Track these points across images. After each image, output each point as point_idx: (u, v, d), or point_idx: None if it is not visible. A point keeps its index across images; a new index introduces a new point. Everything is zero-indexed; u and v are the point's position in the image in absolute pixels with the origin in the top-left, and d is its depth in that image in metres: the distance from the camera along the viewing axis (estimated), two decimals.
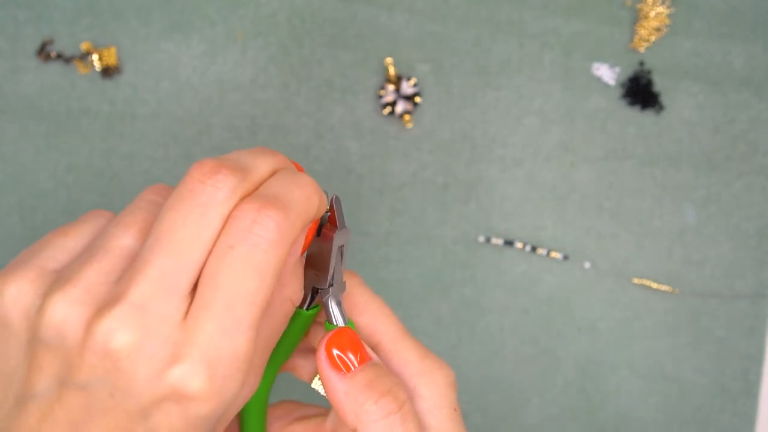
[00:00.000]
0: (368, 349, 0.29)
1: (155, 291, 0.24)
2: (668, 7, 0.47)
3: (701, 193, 0.48)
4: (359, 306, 0.32)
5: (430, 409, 0.31)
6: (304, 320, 0.30)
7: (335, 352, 0.28)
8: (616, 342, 0.49)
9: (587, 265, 0.48)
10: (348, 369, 0.28)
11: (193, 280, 0.25)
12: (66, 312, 0.24)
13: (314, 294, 0.30)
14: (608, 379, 0.49)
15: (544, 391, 0.49)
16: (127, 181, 0.48)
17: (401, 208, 0.48)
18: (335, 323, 0.29)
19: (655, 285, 0.48)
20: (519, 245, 0.48)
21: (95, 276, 0.25)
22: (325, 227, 0.28)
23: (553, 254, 0.48)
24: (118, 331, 0.24)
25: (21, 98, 0.48)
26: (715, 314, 0.48)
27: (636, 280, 0.48)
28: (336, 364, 0.28)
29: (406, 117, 0.48)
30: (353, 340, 0.28)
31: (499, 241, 0.48)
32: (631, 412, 0.49)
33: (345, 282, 0.30)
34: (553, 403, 0.49)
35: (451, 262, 0.48)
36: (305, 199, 0.26)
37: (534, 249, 0.48)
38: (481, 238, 0.48)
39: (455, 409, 0.31)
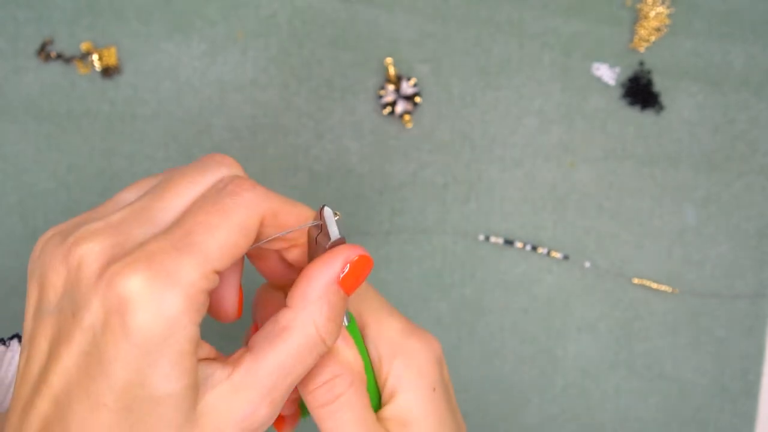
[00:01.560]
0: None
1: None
2: (668, 7, 0.48)
3: (701, 193, 0.48)
4: None
5: (407, 389, 0.31)
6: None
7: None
8: (615, 342, 0.49)
9: (587, 264, 0.48)
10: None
11: None
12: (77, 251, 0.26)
13: None
14: (608, 379, 0.49)
15: (543, 391, 0.49)
16: (127, 181, 0.48)
17: (401, 208, 0.48)
18: None
19: (655, 285, 0.48)
20: (519, 245, 0.48)
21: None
22: (320, 238, 0.29)
23: (554, 254, 0.48)
24: (86, 244, 0.26)
25: (21, 98, 0.48)
26: (715, 314, 0.48)
27: (636, 280, 0.48)
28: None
29: (406, 117, 0.48)
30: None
31: (499, 241, 0.48)
32: (631, 412, 0.49)
33: None
34: (552, 403, 0.49)
35: (451, 262, 0.48)
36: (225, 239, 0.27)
37: (534, 249, 0.48)
38: (481, 238, 0.48)
39: (434, 389, 0.31)
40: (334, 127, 0.48)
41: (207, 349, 0.27)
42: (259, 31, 0.48)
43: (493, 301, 0.49)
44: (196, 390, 0.26)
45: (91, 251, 0.25)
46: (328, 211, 0.28)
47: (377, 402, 0.32)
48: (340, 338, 0.30)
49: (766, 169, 0.48)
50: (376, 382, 0.32)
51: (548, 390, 0.49)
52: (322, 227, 0.29)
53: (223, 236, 0.26)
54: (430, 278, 0.48)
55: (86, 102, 0.48)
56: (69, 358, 0.25)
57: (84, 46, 0.47)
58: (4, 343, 0.34)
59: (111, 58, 0.47)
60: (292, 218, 0.29)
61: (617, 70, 0.48)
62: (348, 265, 0.28)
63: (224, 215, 0.26)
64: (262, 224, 0.28)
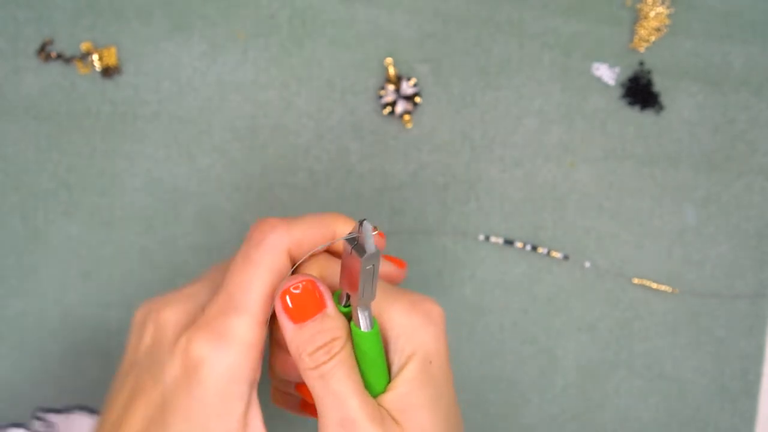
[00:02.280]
0: (327, 301, 0.31)
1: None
2: (668, 8, 0.48)
3: (701, 193, 0.48)
4: None
5: (404, 365, 0.32)
6: (369, 340, 0.31)
7: (288, 300, 0.31)
8: (615, 342, 0.49)
9: (587, 264, 0.48)
10: (301, 319, 0.30)
11: None
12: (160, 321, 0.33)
13: (348, 302, 0.32)
14: (608, 379, 0.49)
15: (543, 391, 0.49)
16: (128, 182, 0.48)
17: (401, 207, 0.48)
18: (360, 327, 0.31)
19: (654, 285, 0.48)
20: (519, 245, 0.48)
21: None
22: (356, 249, 0.29)
23: (554, 254, 0.48)
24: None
25: (22, 98, 0.48)
26: (715, 314, 0.49)
27: (636, 280, 0.48)
28: (289, 311, 0.31)
29: (406, 117, 0.48)
30: (311, 292, 0.31)
31: (499, 241, 0.48)
32: (631, 412, 0.49)
33: (375, 293, 0.31)
34: (552, 403, 0.49)
35: (451, 262, 0.48)
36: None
37: (534, 248, 0.48)
38: (481, 238, 0.48)
39: (430, 362, 0.32)
40: (334, 127, 0.48)
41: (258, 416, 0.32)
42: (259, 31, 0.48)
43: (493, 301, 0.49)
44: None
45: (171, 317, 0.32)
46: (366, 226, 0.29)
47: (385, 386, 0.32)
48: (331, 305, 0.31)
49: (765, 169, 0.48)
50: (386, 368, 0.33)
51: (548, 390, 0.49)
52: (357, 240, 0.29)
53: (259, 288, 0.31)
54: (430, 278, 0.48)
55: (86, 102, 0.48)
56: (142, 411, 0.31)
57: (84, 46, 0.47)
58: (59, 413, 0.41)
59: (111, 58, 0.47)
60: (314, 243, 0.33)
61: (617, 70, 0.48)
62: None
63: (254, 268, 0.31)
64: (291, 256, 0.32)
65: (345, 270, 0.30)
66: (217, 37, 0.48)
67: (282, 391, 0.37)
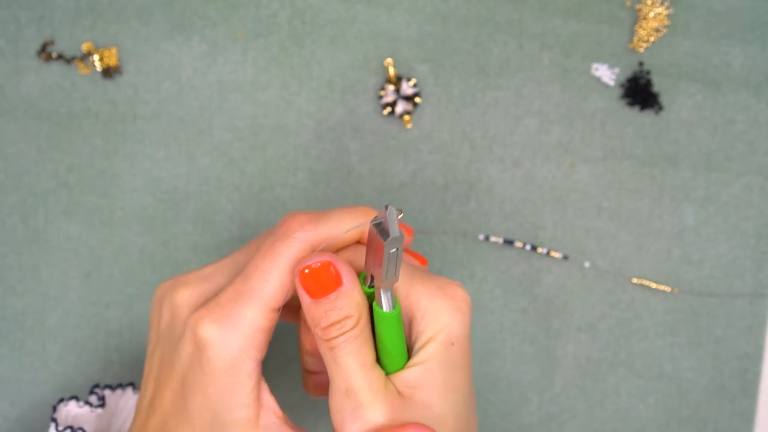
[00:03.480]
0: (344, 279, 0.32)
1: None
2: (667, 8, 0.48)
3: (700, 193, 0.48)
4: None
5: (424, 345, 0.33)
6: (389, 320, 0.32)
7: (306, 276, 0.32)
8: (615, 341, 0.49)
9: (587, 264, 0.48)
10: (318, 294, 0.31)
11: None
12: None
13: (372, 282, 0.32)
14: (607, 379, 0.49)
15: (543, 391, 0.49)
16: (128, 182, 0.48)
17: (401, 208, 0.48)
18: (382, 307, 0.32)
19: (654, 285, 0.48)
20: (519, 245, 0.48)
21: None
22: (382, 235, 0.30)
23: (553, 254, 0.48)
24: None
25: (22, 99, 0.48)
26: (714, 314, 0.49)
27: (635, 280, 0.48)
28: (308, 286, 0.31)
29: (406, 117, 0.48)
30: (327, 270, 0.32)
31: (499, 241, 0.48)
32: (630, 412, 0.49)
33: (398, 276, 0.31)
34: (552, 403, 0.49)
35: (451, 262, 0.48)
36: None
37: (534, 248, 0.48)
38: (481, 238, 0.48)
39: (452, 343, 0.33)
40: (334, 128, 0.48)
41: (273, 408, 0.34)
42: (259, 31, 0.48)
43: (492, 300, 0.49)
44: (256, 422, 0.33)
45: (184, 297, 0.34)
46: (391, 210, 0.29)
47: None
48: (350, 280, 0.32)
49: (765, 169, 0.48)
50: (405, 350, 0.33)
51: (548, 389, 0.49)
52: (382, 223, 0.30)
53: (276, 279, 0.32)
54: None
55: (87, 102, 0.48)
56: (170, 385, 0.34)
57: (85, 47, 0.47)
58: (113, 389, 0.43)
59: (112, 59, 0.47)
60: (342, 241, 0.34)
61: (616, 70, 0.48)
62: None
63: (276, 259, 0.32)
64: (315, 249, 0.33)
65: (370, 252, 0.31)
66: (217, 37, 0.48)
67: (314, 374, 0.38)
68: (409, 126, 0.48)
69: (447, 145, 0.48)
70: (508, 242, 0.48)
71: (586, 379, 0.49)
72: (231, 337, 0.32)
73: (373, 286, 0.32)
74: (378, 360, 0.33)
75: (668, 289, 0.48)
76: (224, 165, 0.48)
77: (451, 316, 0.33)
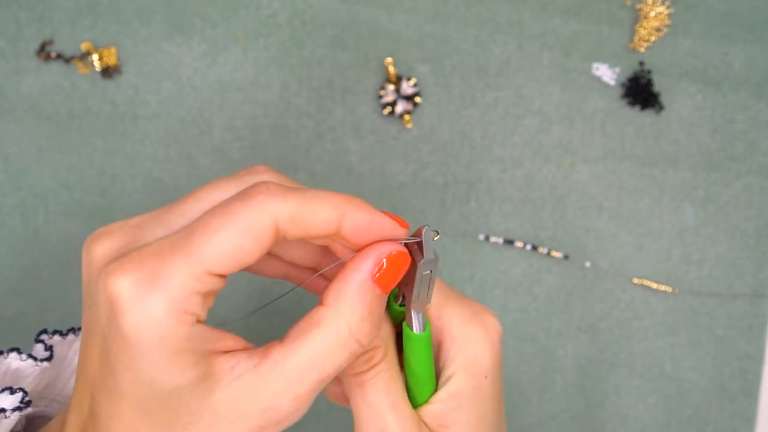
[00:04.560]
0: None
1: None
2: (668, 8, 0.48)
3: (700, 193, 0.48)
4: None
5: (458, 376, 0.31)
6: (419, 343, 0.31)
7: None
8: (615, 341, 0.49)
9: (587, 264, 0.48)
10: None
11: None
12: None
13: (404, 301, 0.31)
14: (608, 379, 0.49)
15: (543, 391, 0.49)
16: (128, 182, 0.48)
17: (401, 208, 0.48)
18: (413, 328, 0.31)
19: (654, 285, 0.48)
20: (519, 245, 0.48)
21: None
22: (414, 254, 0.29)
23: (554, 254, 0.48)
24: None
25: (22, 98, 0.48)
26: (714, 314, 0.49)
27: (636, 280, 0.48)
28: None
29: (406, 117, 0.48)
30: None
31: (499, 241, 0.48)
32: (631, 412, 0.49)
33: (431, 299, 0.30)
34: (552, 403, 0.49)
35: (451, 262, 0.48)
36: None
37: (534, 248, 0.48)
38: (481, 238, 0.48)
39: (486, 376, 0.31)
40: (334, 127, 0.48)
41: (232, 342, 0.27)
42: (259, 31, 0.48)
43: (493, 301, 0.49)
44: (210, 380, 0.26)
45: (100, 249, 0.27)
46: (428, 232, 0.28)
47: (431, 393, 0.32)
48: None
49: (765, 169, 0.48)
50: (434, 373, 0.32)
51: (548, 389, 0.49)
52: (418, 244, 0.29)
53: (225, 239, 0.26)
54: None
55: (87, 102, 0.48)
56: (94, 354, 0.27)
57: (84, 47, 0.47)
58: (63, 335, 0.36)
59: (111, 59, 0.47)
60: (314, 225, 0.28)
61: (617, 70, 0.48)
62: (384, 262, 0.28)
63: (229, 218, 0.26)
64: (281, 230, 0.27)
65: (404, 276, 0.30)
66: (217, 37, 0.48)
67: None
68: (409, 126, 0.48)
69: (447, 145, 0.48)
70: (509, 242, 0.48)
71: (587, 379, 0.49)
72: (152, 297, 0.25)
73: (404, 305, 0.31)
74: (405, 383, 0.32)
75: (668, 289, 0.48)
76: (224, 165, 0.48)
77: (483, 347, 0.31)
